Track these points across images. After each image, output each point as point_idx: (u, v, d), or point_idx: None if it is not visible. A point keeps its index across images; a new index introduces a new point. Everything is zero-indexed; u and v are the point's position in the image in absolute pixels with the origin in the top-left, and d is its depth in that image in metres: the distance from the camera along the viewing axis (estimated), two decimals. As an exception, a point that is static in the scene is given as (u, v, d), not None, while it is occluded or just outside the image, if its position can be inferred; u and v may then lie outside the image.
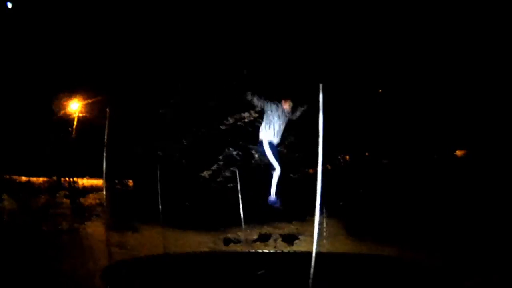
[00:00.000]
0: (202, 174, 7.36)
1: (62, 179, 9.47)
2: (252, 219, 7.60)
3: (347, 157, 7.76)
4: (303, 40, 7.07)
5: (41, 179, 9.95)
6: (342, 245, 7.21)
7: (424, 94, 7.83)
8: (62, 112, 8.79)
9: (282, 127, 4.32)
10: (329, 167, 7.22)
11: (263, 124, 4.27)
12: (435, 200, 7.36)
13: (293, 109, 4.37)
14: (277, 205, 4.71)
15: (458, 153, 8.89)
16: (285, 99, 4.38)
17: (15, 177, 10.31)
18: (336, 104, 6.85)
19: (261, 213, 7.58)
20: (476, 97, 7.99)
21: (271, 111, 4.22)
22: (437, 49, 7.37)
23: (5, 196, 9.20)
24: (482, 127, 8.27)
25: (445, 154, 8.20)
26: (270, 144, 4.25)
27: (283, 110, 4.28)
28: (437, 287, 4.47)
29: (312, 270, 3.19)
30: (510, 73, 7.50)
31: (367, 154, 7.57)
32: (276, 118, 4.20)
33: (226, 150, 7.21)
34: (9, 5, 8.06)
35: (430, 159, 7.88)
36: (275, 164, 4.21)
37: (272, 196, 4.54)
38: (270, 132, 4.22)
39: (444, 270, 5.15)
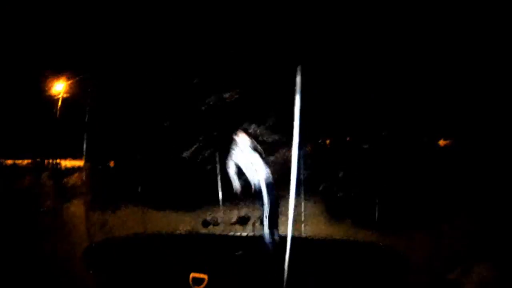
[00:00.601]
0: (182, 155, 7.38)
1: (46, 160, 9.51)
2: (231, 201, 7.60)
3: (328, 140, 7.76)
4: (285, 20, 7.07)
5: (25, 161, 9.99)
6: (320, 228, 7.21)
7: (409, 81, 7.82)
8: (46, 93, 8.79)
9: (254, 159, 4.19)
10: (309, 149, 7.23)
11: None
12: (415, 187, 7.36)
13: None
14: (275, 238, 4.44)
15: (442, 142, 8.89)
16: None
17: (0, 160, 10.37)
18: (318, 87, 6.87)
19: (240, 195, 7.58)
20: (464, 87, 7.96)
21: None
22: (422, 34, 7.35)
23: (-11, 179, 9.25)
24: (470, 119, 8.26)
25: (426, 142, 8.20)
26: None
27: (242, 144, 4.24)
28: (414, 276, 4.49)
29: (287, 253, 3.20)
30: (497, 63, 7.50)
31: (348, 138, 7.57)
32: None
33: (207, 130, 7.22)
34: None
35: (411, 146, 7.88)
36: (265, 199, 4.01)
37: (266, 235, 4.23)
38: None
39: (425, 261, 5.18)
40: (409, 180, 7.40)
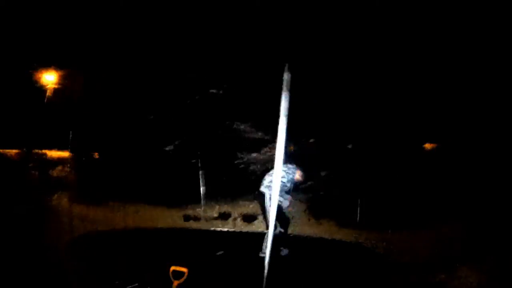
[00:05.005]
0: (166, 149, 7.37)
1: (33, 150, 9.45)
2: (213, 197, 7.59)
3: (311, 140, 7.77)
4: (273, 19, 7.10)
5: (14, 151, 9.91)
6: (301, 227, 7.20)
7: (398, 83, 7.83)
8: (36, 83, 8.81)
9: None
10: (291, 148, 7.22)
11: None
12: (398, 187, 7.36)
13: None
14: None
15: (428, 146, 8.93)
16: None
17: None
18: (304, 87, 6.87)
19: (222, 190, 7.58)
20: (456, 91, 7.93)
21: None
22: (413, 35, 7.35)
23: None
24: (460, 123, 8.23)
25: (412, 145, 8.22)
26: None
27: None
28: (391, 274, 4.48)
29: (268, 250, 3.14)
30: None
31: (331, 138, 7.57)
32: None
33: (191, 124, 7.23)
34: None
35: (397, 149, 7.90)
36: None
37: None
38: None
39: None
40: (393, 181, 7.40)
